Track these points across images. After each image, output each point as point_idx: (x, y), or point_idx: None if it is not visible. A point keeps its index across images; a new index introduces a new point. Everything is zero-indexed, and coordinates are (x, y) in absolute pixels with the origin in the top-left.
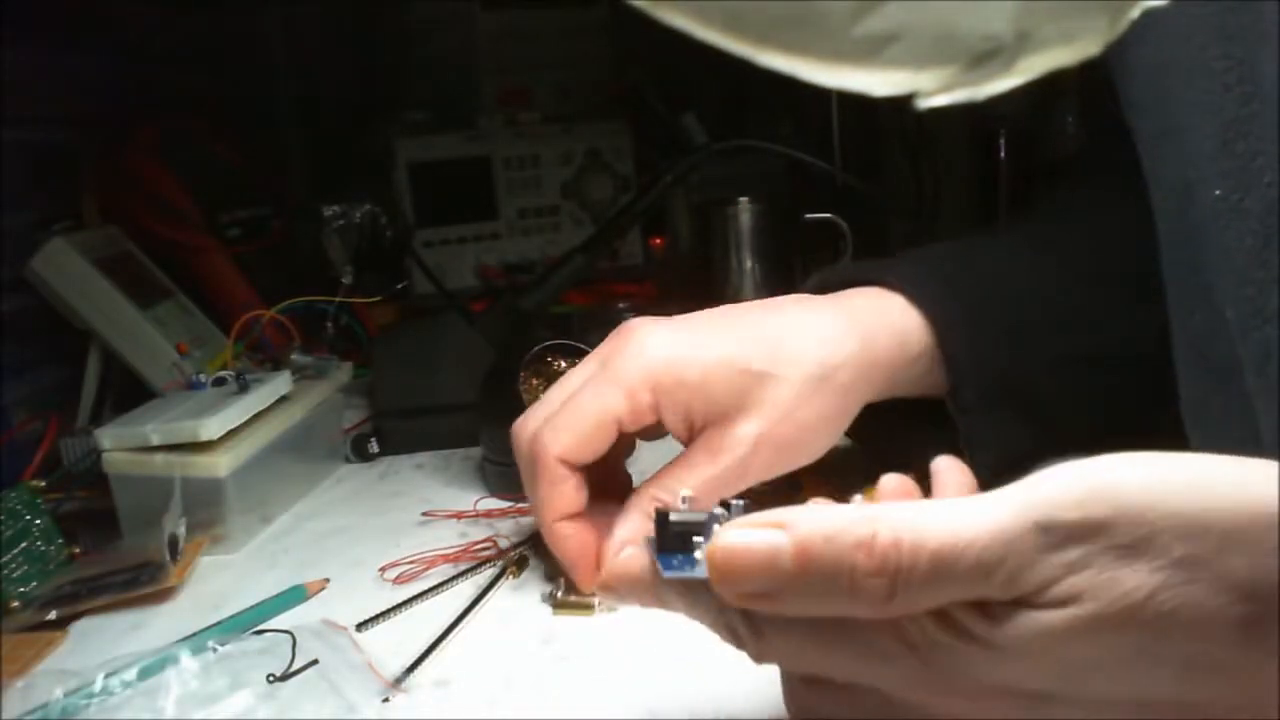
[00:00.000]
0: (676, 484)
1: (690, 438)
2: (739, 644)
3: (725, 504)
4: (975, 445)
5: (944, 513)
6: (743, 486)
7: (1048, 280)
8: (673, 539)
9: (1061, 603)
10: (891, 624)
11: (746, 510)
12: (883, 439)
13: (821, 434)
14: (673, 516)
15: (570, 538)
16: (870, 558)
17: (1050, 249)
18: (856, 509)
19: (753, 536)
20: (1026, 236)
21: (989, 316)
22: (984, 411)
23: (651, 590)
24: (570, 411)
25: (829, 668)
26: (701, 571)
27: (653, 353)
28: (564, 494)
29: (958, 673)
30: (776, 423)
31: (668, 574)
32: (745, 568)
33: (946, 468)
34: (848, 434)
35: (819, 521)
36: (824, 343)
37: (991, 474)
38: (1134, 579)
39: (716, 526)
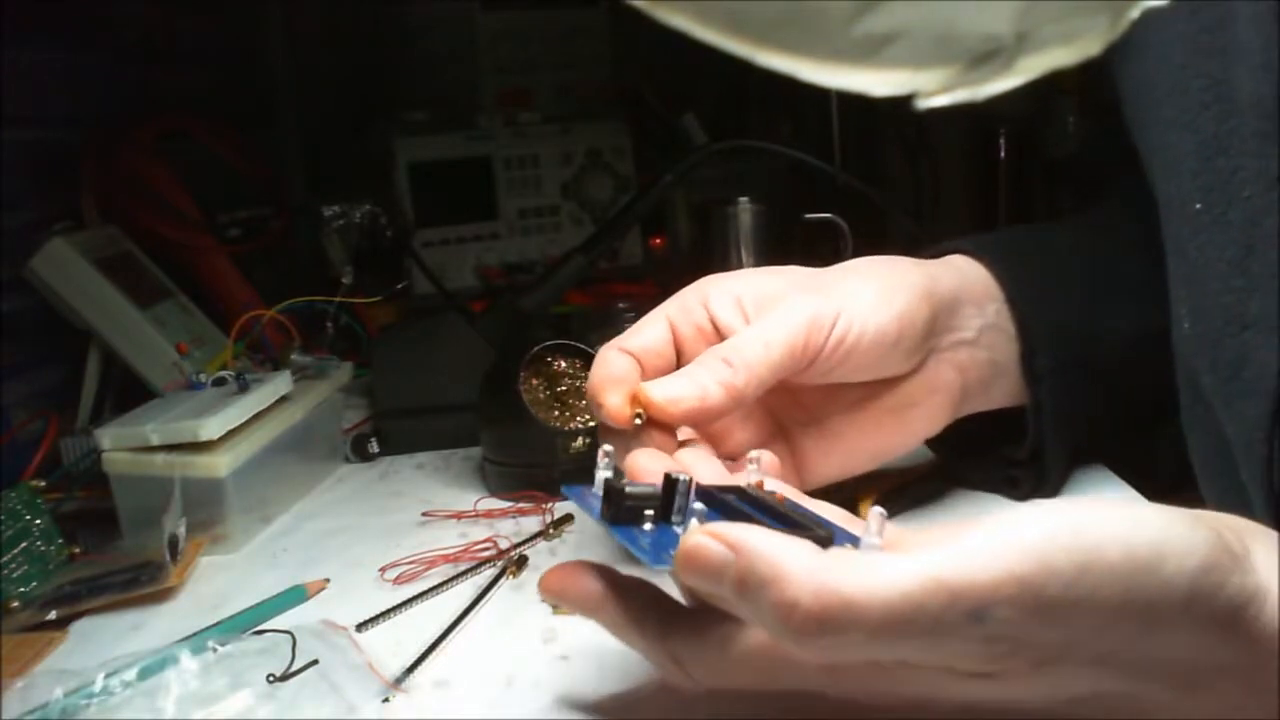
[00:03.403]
0: (740, 344)
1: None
2: (663, 666)
3: (672, 481)
4: (1044, 416)
5: (880, 583)
6: (797, 365)
7: (1116, 259)
8: (625, 512)
9: (985, 675)
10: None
11: (689, 487)
12: (959, 454)
13: (878, 324)
14: (627, 489)
15: (618, 362)
16: (788, 620)
17: (1115, 233)
18: (806, 554)
19: (709, 547)
20: (1091, 222)
21: (1061, 286)
22: (1055, 378)
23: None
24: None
25: (756, 688)
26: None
27: (705, 278)
28: (620, 361)
29: (890, 688)
30: (831, 298)
31: (657, 566)
32: (699, 570)
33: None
34: (928, 444)
35: (762, 562)
36: (885, 261)
37: (1058, 446)
38: (1057, 671)
39: (690, 524)
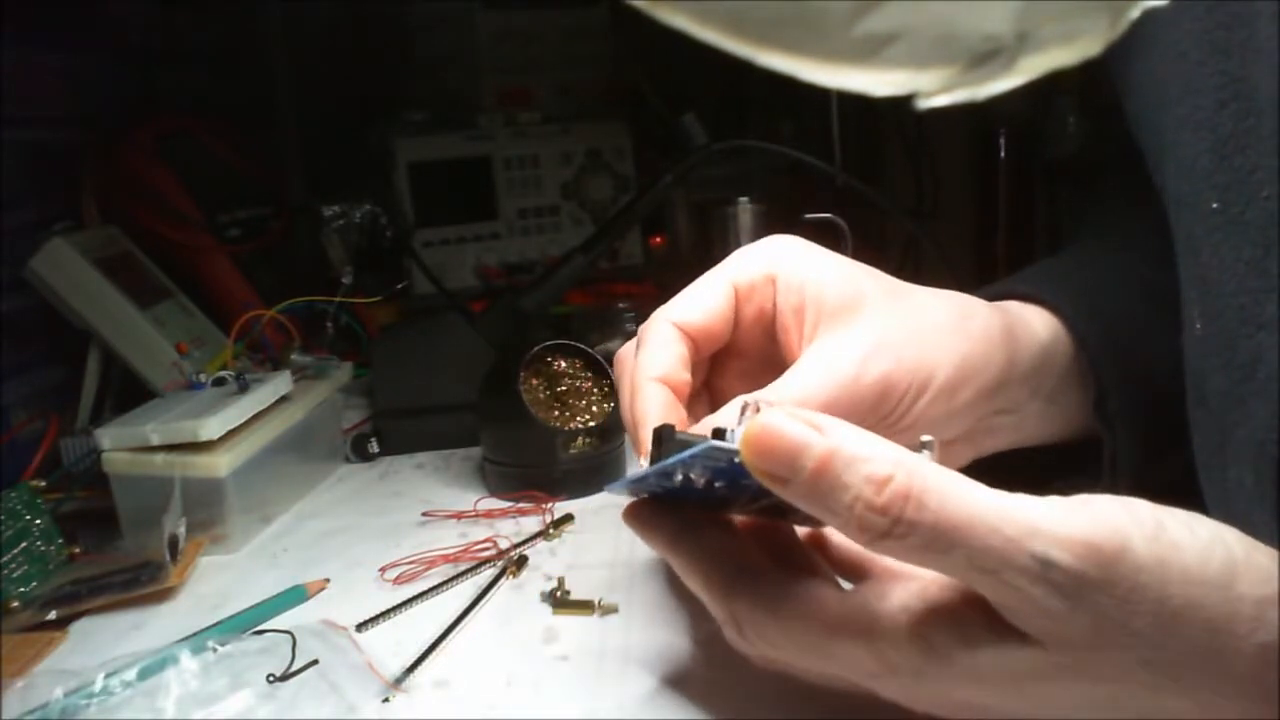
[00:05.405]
0: (782, 388)
1: (800, 341)
2: (725, 624)
3: (720, 432)
4: (1121, 460)
5: (964, 494)
6: (849, 412)
7: (1163, 280)
8: (674, 448)
9: (1034, 641)
10: (873, 648)
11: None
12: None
13: (948, 408)
14: (677, 433)
15: (656, 397)
16: (877, 495)
17: (1149, 248)
18: (899, 449)
19: (790, 426)
20: (1127, 238)
21: (1132, 329)
22: (1128, 422)
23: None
24: (687, 288)
25: (807, 671)
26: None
27: (781, 239)
28: (668, 353)
29: (935, 693)
30: (898, 332)
31: (709, 445)
32: (772, 450)
33: None
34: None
35: (852, 441)
36: (972, 317)
37: (1129, 482)
38: (1107, 659)
39: (746, 416)
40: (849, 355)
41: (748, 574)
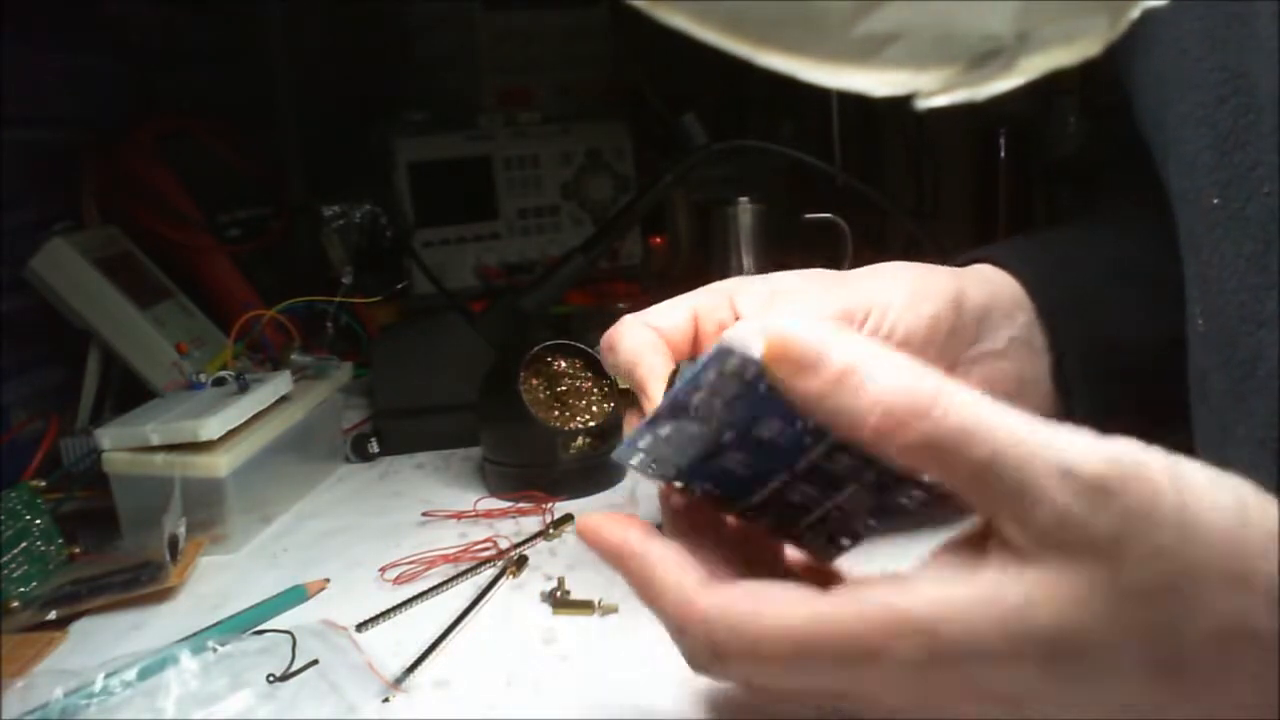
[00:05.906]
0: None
1: None
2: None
3: None
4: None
5: (985, 401)
6: None
7: (1143, 261)
8: None
9: (1055, 547)
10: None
11: None
12: None
13: (907, 326)
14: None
15: (644, 338)
16: (901, 396)
17: (1137, 234)
18: (918, 369)
19: (810, 326)
20: (1111, 222)
21: (1092, 294)
22: (1087, 387)
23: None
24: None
25: (772, 681)
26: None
27: (733, 279)
28: (644, 337)
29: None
30: (849, 280)
31: (733, 346)
32: (793, 349)
33: None
34: None
35: (874, 347)
36: (915, 266)
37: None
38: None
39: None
40: (807, 300)
41: (717, 585)
